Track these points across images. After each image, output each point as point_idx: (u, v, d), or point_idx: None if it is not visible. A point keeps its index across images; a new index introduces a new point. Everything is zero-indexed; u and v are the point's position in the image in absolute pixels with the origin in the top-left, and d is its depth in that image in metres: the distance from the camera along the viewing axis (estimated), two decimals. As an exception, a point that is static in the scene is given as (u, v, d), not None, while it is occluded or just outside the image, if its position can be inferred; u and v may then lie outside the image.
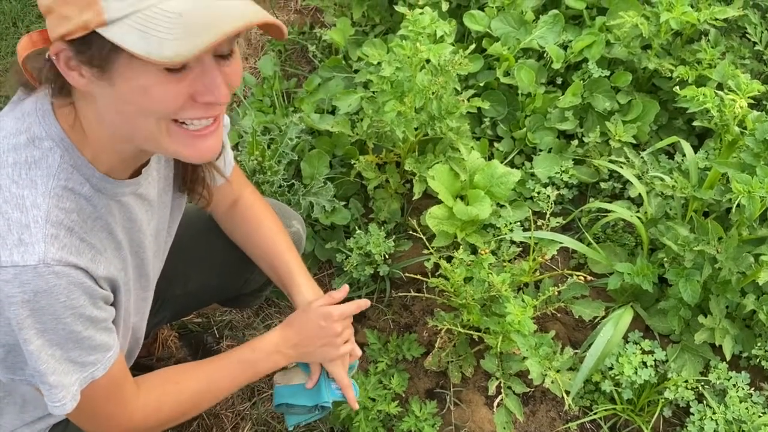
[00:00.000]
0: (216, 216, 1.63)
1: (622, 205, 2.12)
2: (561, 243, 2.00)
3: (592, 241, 2.12)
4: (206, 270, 1.69)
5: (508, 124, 2.53)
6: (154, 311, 1.50)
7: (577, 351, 2.02)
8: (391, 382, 1.98)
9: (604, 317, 2.08)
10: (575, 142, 2.41)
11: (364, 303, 1.56)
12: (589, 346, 1.98)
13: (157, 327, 1.75)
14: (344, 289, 1.54)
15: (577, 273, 1.80)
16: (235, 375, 1.42)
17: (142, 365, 2.08)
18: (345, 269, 2.18)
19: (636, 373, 1.92)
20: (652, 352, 1.98)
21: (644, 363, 1.95)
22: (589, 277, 1.80)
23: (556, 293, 2.08)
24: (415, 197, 2.18)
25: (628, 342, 2.01)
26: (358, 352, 1.54)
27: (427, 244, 2.02)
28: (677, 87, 2.20)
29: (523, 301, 1.81)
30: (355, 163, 2.23)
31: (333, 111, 2.50)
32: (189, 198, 1.45)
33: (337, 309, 1.47)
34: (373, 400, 1.89)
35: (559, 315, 2.23)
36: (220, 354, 1.45)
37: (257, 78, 2.79)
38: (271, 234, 1.58)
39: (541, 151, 2.46)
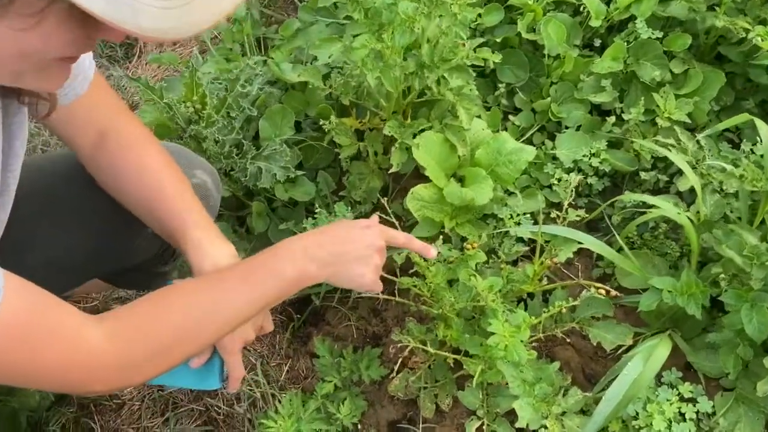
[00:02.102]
0: (81, 157, 1.20)
1: (666, 201, 1.58)
2: (580, 243, 1.48)
3: (623, 246, 1.59)
4: (73, 232, 1.24)
5: (529, 92, 2.01)
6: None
7: (591, 389, 1.49)
8: (338, 410, 1.49)
9: (631, 347, 1.56)
10: (611, 119, 1.88)
11: (425, 248, 1.27)
12: (609, 384, 1.46)
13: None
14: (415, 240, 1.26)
15: (599, 285, 1.28)
16: (253, 288, 1.03)
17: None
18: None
19: (670, 427, 1.39)
20: (693, 401, 1.45)
21: (682, 414, 1.43)
22: (614, 292, 1.28)
23: (568, 310, 1.56)
24: (393, 170, 1.68)
25: (661, 384, 1.49)
26: (378, 287, 1.19)
27: (400, 230, 1.51)
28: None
29: (517, 316, 1.30)
30: (325, 125, 1.75)
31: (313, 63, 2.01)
32: (29, 108, 0.99)
33: (382, 226, 1.21)
34: (306, 434, 1.40)
35: (571, 338, 1.71)
36: (231, 266, 1.09)
37: (229, 22, 2.32)
38: (156, 173, 1.16)
39: (567, 128, 1.94)
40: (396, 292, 1.63)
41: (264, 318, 1.17)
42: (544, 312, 1.37)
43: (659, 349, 1.39)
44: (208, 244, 1.11)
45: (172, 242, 1.17)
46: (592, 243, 1.46)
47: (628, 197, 1.65)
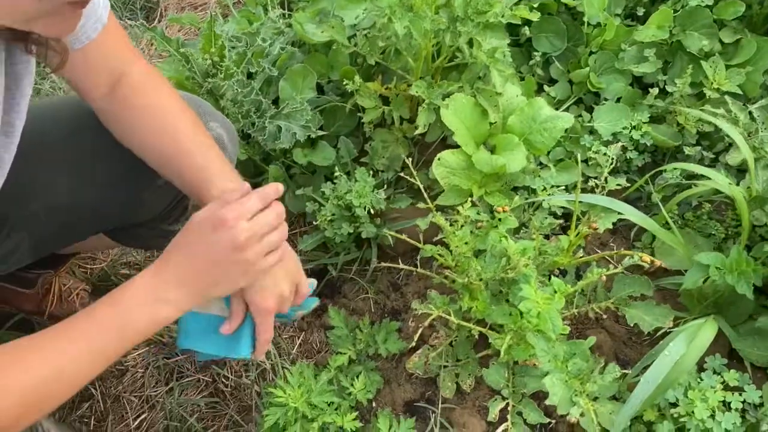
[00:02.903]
0: (94, 106, 1.11)
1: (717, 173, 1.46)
2: (620, 213, 1.37)
3: (668, 220, 1.47)
4: (80, 180, 1.15)
5: (566, 62, 1.90)
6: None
7: (626, 372, 1.38)
8: (353, 384, 1.39)
9: (670, 331, 1.43)
10: (654, 91, 1.76)
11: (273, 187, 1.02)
12: (645, 369, 1.34)
13: (13, 263, 1.21)
14: (272, 187, 1.00)
15: (640, 253, 1.16)
16: (94, 348, 0.89)
17: (27, 323, 1.55)
18: (317, 224, 1.59)
19: (713, 417, 1.27)
20: (740, 390, 1.33)
21: (727, 404, 1.30)
22: (658, 261, 1.16)
23: (604, 289, 1.45)
24: (418, 131, 1.57)
25: (704, 370, 1.36)
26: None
27: (428, 199, 1.41)
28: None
29: (551, 285, 1.19)
30: (348, 85, 1.65)
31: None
32: (37, 56, 0.91)
33: (232, 208, 0.94)
34: (316, 408, 1.30)
35: (604, 321, 1.59)
36: (71, 317, 0.91)
37: (254, -16, 2.23)
38: (171, 118, 1.07)
39: (606, 100, 1.82)
40: (418, 263, 1.53)
41: (300, 275, 1.08)
42: (578, 286, 1.26)
43: (705, 330, 1.26)
44: (221, 180, 1.03)
45: (192, 195, 1.07)
46: (634, 214, 1.34)
47: (674, 166, 1.52)
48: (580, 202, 1.42)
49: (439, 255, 1.37)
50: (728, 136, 1.62)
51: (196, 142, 1.07)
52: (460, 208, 1.31)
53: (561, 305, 1.12)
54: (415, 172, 1.43)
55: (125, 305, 0.92)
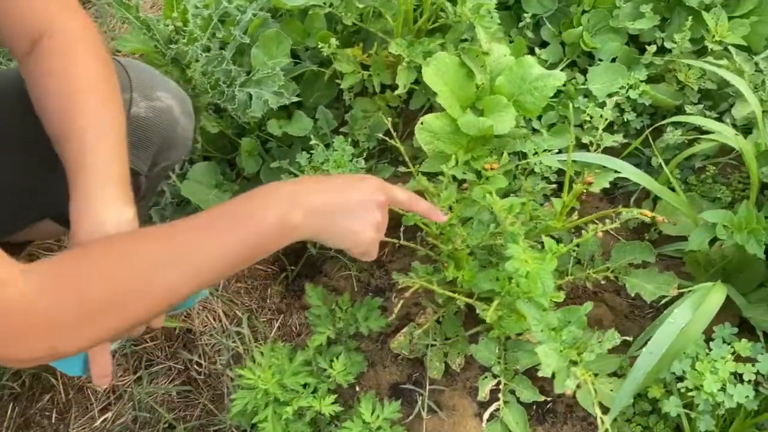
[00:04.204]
0: (20, 67, 0.98)
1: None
2: (617, 172, 1.25)
3: (672, 180, 1.35)
4: (21, 163, 1.03)
5: (558, 23, 1.78)
6: None
7: (627, 339, 1.26)
8: (332, 366, 1.28)
9: (675, 300, 1.32)
10: (652, 48, 1.65)
11: (432, 210, 1.05)
12: (647, 342, 1.23)
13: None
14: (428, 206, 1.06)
15: (640, 210, 1.05)
16: (220, 236, 0.79)
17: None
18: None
19: (724, 389, 1.16)
20: (752, 360, 1.21)
21: (738, 376, 1.19)
22: (660, 217, 1.05)
23: (601, 253, 1.34)
24: (399, 91, 1.46)
25: (712, 339, 1.25)
26: (375, 251, 0.97)
27: (409, 163, 1.30)
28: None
29: (542, 247, 1.08)
30: (324, 49, 1.53)
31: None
32: None
33: (381, 181, 0.97)
34: (290, 391, 1.19)
35: (603, 294, 1.48)
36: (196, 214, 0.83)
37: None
38: (77, 92, 0.91)
39: (601, 61, 1.71)
40: (401, 235, 1.42)
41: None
42: (574, 252, 1.15)
43: (713, 295, 1.15)
44: (97, 199, 0.85)
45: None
46: (632, 171, 1.23)
47: (675, 120, 1.41)
48: (573, 161, 1.31)
49: (423, 224, 1.26)
50: (734, 90, 1.52)
51: (94, 124, 0.89)
52: (443, 167, 1.20)
53: (553, 266, 1.00)
54: (397, 141, 1.32)
55: (259, 198, 0.84)
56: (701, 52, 1.64)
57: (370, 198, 0.92)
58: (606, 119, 1.31)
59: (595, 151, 1.29)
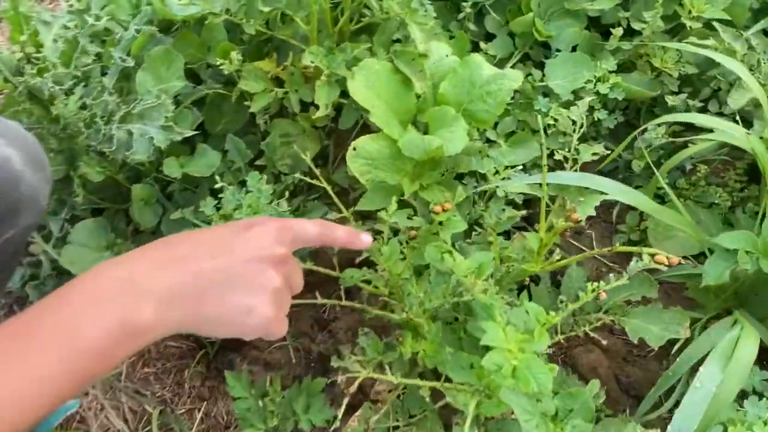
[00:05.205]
0: None
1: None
2: (603, 195, 0.99)
3: (670, 193, 1.10)
4: None
5: (503, 11, 1.51)
6: None
7: (629, 404, 1.00)
8: (267, 477, 0.98)
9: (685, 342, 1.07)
10: (618, 31, 1.39)
11: (352, 236, 0.76)
12: (660, 398, 0.98)
13: None
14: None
15: (649, 250, 0.78)
16: (34, 366, 0.55)
17: None
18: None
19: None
20: (794, 414, 0.97)
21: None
22: (676, 259, 0.78)
23: (597, 294, 1.08)
24: (319, 113, 1.17)
25: (744, 393, 1.00)
26: (281, 328, 0.67)
27: (340, 204, 1.02)
28: None
29: (522, 305, 0.80)
30: (224, 65, 1.23)
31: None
32: None
33: (279, 221, 0.70)
34: None
35: (595, 333, 1.22)
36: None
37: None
38: None
39: (559, 51, 1.45)
40: (342, 292, 1.13)
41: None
42: (563, 303, 0.88)
43: (745, 343, 0.89)
44: None
45: None
46: (624, 193, 0.96)
47: (665, 119, 1.15)
48: (547, 184, 1.04)
49: (365, 282, 0.97)
50: (719, 73, 1.27)
51: None
52: (383, 213, 0.91)
53: (545, 344, 0.73)
54: (320, 178, 1.03)
55: (82, 299, 0.58)
56: (675, 31, 1.39)
57: (259, 254, 0.64)
58: (580, 124, 1.05)
59: (571, 168, 1.03)
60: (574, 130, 1.04)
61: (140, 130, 1.14)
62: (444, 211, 0.89)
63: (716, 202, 1.26)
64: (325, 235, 0.73)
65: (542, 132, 0.87)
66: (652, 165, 1.15)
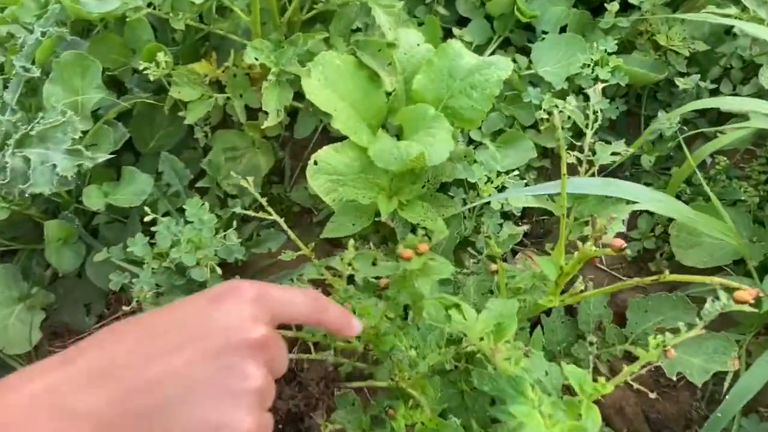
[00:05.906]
0: None
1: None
2: (633, 204, 0.79)
3: (711, 194, 0.90)
4: None
5: (478, -9, 1.32)
6: None
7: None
8: None
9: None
10: (613, 7, 1.20)
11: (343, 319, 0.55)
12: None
13: None
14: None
15: (726, 282, 0.58)
16: None
17: None
18: (133, 305, 0.95)
19: None
20: None
21: None
22: (748, 295, 0.59)
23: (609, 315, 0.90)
24: (269, 123, 0.94)
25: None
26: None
27: (297, 240, 0.80)
28: None
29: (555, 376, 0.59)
30: (147, 70, 1.00)
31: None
32: None
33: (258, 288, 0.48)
34: None
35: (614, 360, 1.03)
36: None
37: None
38: None
39: (545, 33, 1.25)
40: (311, 346, 0.91)
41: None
42: (586, 341, 0.68)
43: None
44: None
45: None
46: (658, 201, 0.76)
47: (689, 107, 0.96)
48: (550, 194, 0.84)
49: (337, 338, 0.76)
50: (727, 49, 1.09)
51: None
52: (337, 261, 0.70)
53: (597, 424, 0.53)
54: (269, 209, 0.81)
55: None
56: (676, 5, 1.21)
57: (229, 341, 0.45)
58: (594, 117, 0.85)
59: (587, 173, 0.83)
60: (587, 125, 0.84)
61: (40, 156, 0.91)
62: (417, 254, 0.67)
63: (742, 198, 1.08)
64: (316, 314, 0.52)
65: (559, 127, 0.67)
66: (649, 166, 0.95)
